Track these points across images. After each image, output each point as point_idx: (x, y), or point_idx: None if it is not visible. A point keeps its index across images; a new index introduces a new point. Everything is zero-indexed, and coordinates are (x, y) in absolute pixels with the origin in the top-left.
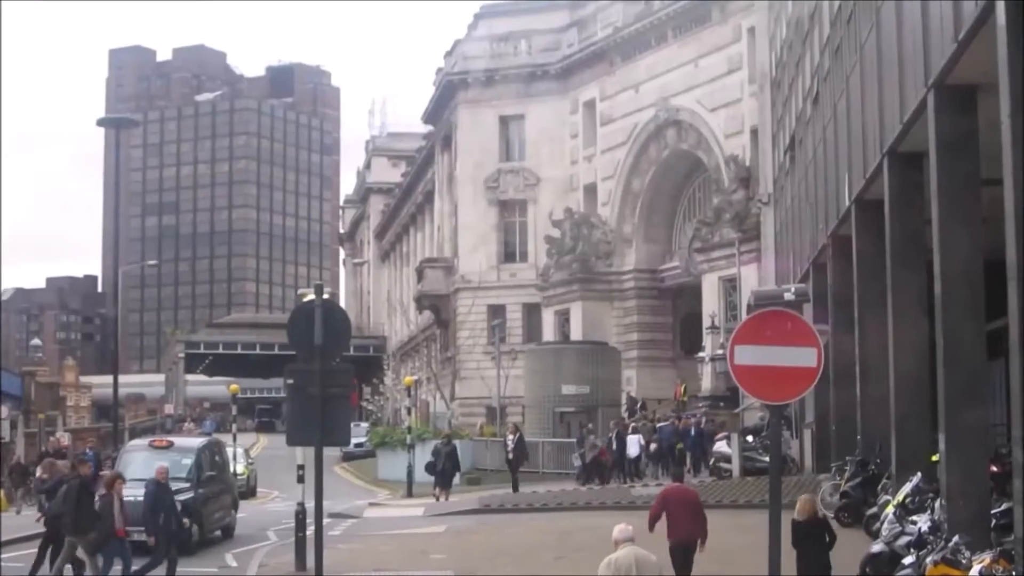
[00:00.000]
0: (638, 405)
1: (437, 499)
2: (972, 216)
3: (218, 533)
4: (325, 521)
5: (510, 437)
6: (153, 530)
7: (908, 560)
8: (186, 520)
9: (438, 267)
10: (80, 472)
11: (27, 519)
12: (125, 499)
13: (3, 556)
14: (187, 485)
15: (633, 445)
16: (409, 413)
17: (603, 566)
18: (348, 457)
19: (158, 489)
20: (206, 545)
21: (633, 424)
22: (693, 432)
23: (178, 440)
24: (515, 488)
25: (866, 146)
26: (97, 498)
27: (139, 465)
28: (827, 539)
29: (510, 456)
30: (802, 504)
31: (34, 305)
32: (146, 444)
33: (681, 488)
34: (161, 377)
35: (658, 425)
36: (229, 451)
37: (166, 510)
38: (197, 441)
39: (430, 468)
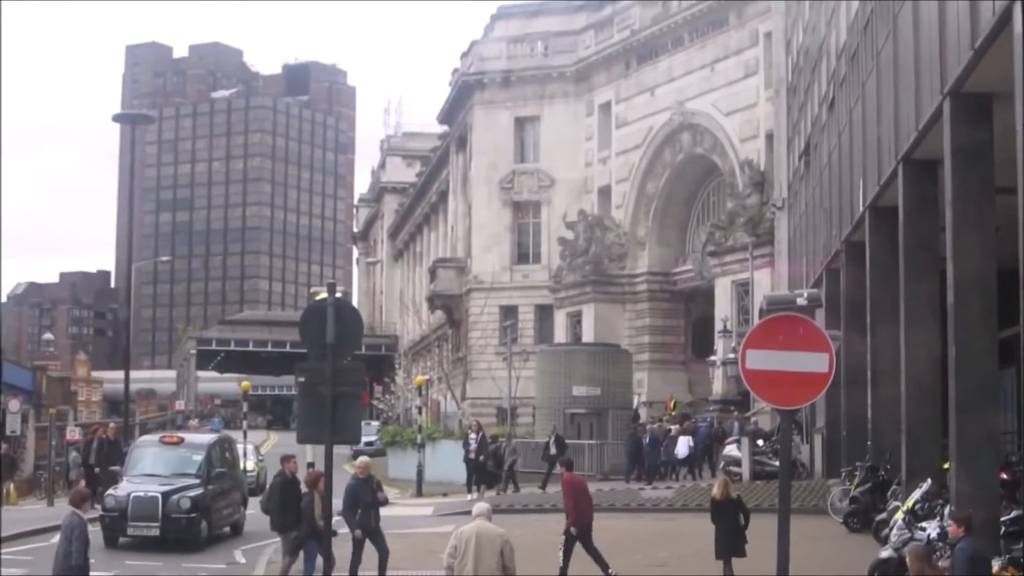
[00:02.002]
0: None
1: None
2: (986, 224)
3: (227, 529)
4: (334, 519)
5: (472, 436)
6: (355, 525)
7: None
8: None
9: (451, 267)
10: (284, 469)
11: (31, 513)
12: (134, 495)
13: (4, 552)
14: (197, 481)
15: (682, 446)
16: (420, 412)
17: (452, 536)
18: (358, 455)
19: (357, 484)
20: (215, 541)
21: (675, 425)
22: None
23: (188, 437)
24: (468, 490)
25: (881, 153)
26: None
27: (149, 461)
28: (741, 515)
29: (472, 456)
30: (719, 485)
31: (46, 299)
32: (156, 440)
33: (578, 477)
34: (172, 373)
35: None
36: (239, 448)
37: (365, 506)
38: (207, 438)
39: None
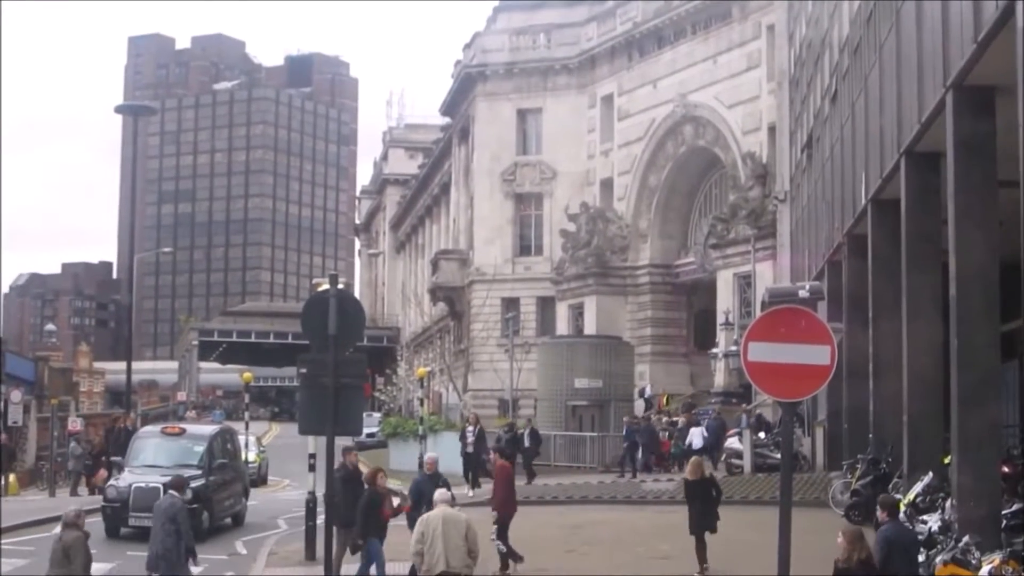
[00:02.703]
0: (646, 397)
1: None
2: (988, 217)
3: (228, 520)
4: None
5: (470, 429)
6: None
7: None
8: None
9: (453, 259)
10: (345, 462)
11: (32, 504)
12: (135, 485)
13: (4, 542)
14: (198, 472)
15: (696, 437)
16: (422, 404)
17: (417, 523)
18: (360, 447)
19: (423, 480)
20: (216, 532)
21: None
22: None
23: (190, 428)
24: (467, 482)
25: (883, 145)
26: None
27: (150, 452)
28: (714, 493)
29: (469, 450)
30: (692, 466)
31: (49, 290)
32: (158, 431)
33: (510, 466)
34: (174, 364)
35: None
36: (241, 439)
37: (430, 504)
38: (209, 429)
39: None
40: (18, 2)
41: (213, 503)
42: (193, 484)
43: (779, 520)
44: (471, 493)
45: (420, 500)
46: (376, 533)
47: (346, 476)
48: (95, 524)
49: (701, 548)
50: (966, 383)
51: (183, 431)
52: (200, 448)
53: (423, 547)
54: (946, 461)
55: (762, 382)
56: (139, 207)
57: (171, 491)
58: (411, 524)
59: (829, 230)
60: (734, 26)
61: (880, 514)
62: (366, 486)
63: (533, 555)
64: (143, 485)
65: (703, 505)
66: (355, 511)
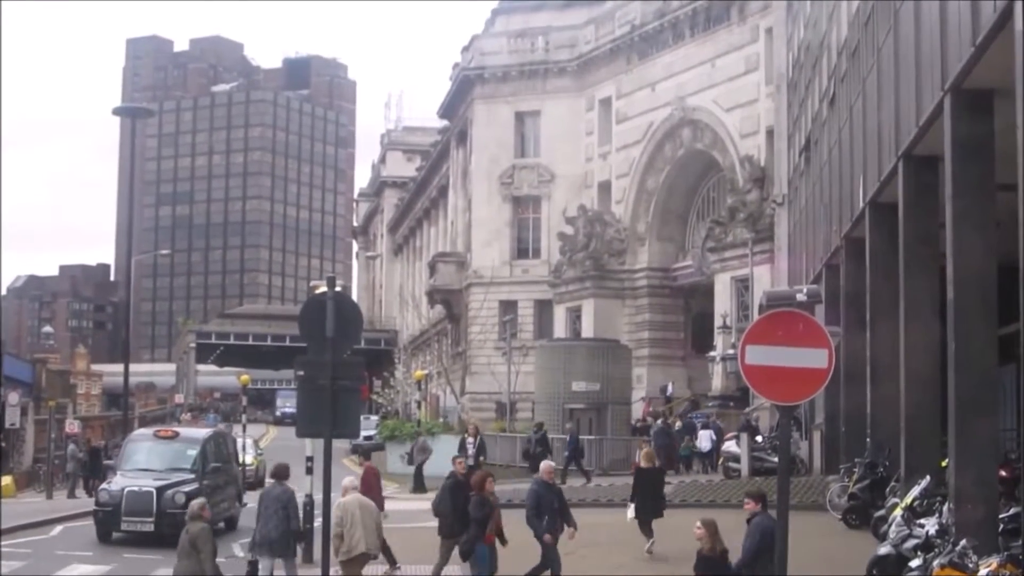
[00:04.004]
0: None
1: None
2: (986, 220)
3: (221, 525)
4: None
5: (470, 440)
6: (542, 530)
7: (915, 563)
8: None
9: (451, 262)
10: (454, 471)
11: (30, 506)
12: (128, 489)
13: (3, 544)
14: (192, 476)
15: (705, 440)
16: (419, 407)
17: (335, 508)
18: (357, 450)
19: (541, 488)
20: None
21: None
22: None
23: (183, 431)
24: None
25: (881, 148)
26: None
27: (143, 456)
28: (663, 480)
29: (471, 462)
30: (645, 455)
31: (46, 292)
32: (151, 434)
33: (375, 468)
34: (172, 367)
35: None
36: (239, 442)
37: (551, 512)
38: (202, 432)
39: (526, 455)
40: (17, 3)
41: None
42: (186, 488)
43: (776, 523)
44: None
45: (539, 509)
46: (486, 540)
47: (455, 484)
48: (87, 528)
49: (647, 530)
50: (964, 386)
51: (176, 434)
52: (193, 452)
53: (342, 530)
54: (944, 464)
55: (760, 385)
56: (137, 209)
57: (278, 479)
58: (535, 529)
59: (827, 233)
60: (732, 29)
61: (752, 505)
62: (472, 492)
63: (530, 557)
64: (136, 489)
65: (653, 491)
66: (461, 520)
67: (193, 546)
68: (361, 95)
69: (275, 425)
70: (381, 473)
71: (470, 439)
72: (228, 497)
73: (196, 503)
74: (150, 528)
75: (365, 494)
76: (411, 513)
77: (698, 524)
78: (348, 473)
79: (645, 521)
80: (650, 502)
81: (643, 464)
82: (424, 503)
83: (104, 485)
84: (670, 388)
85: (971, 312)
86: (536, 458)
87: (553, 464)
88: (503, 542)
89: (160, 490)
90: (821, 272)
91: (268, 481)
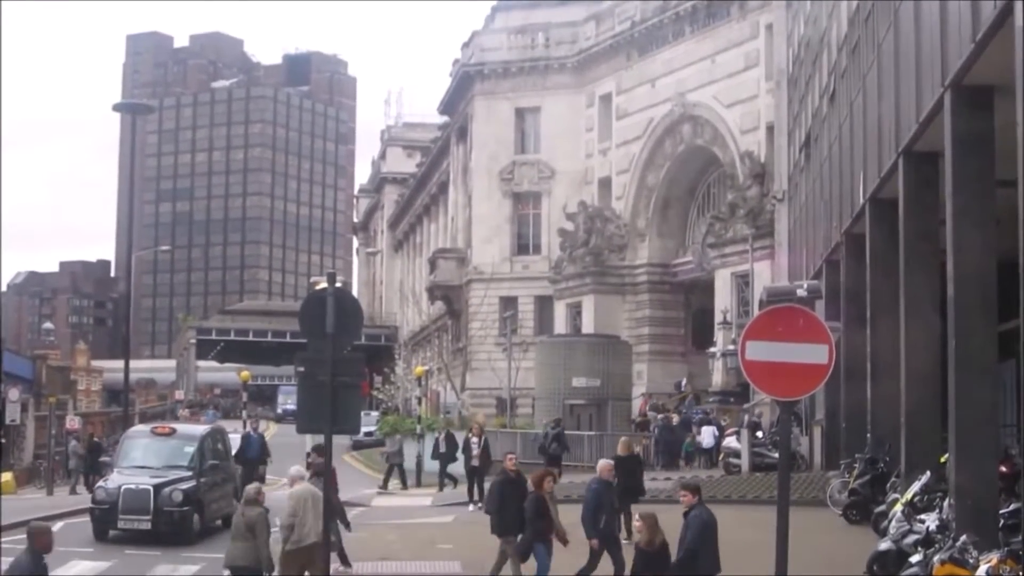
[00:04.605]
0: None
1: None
2: (986, 217)
3: (219, 522)
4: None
5: (475, 440)
6: (594, 532)
7: (915, 559)
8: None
9: (451, 258)
10: (505, 469)
11: (30, 502)
12: (125, 487)
13: (4, 541)
14: (189, 474)
15: (707, 436)
16: (419, 403)
17: (287, 498)
18: (357, 446)
19: (601, 487)
20: (207, 534)
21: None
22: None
23: (181, 427)
24: (470, 499)
25: (881, 145)
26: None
27: (140, 452)
28: (640, 467)
29: (475, 463)
30: (623, 444)
31: (47, 289)
32: (148, 431)
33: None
34: (172, 363)
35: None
36: (237, 438)
37: (610, 512)
38: (200, 429)
39: (542, 450)
40: (17, 1)
41: (204, 505)
42: (184, 486)
43: (777, 519)
44: (471, 509)
45: (598, 509)
46: (543, 539)
47: (505, 481)
48: (88, 524)
49: (627, 519)
50: (964, 382)
51: (173, 431)
52: (191, 448)
53: (295, 520)
54: (943, 460)
55: (760, 381)
56: (137, 205)
57: (316, 478)
58: (587, 529)
59: (827, 229)
60: (732, 25)
61: (689, 498)
62: (531, 490)
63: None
64: (132, 487)
65: (630, 479)
66: (515, 518)
67: (250, 530)
68: (361, 91)
69: (276, 423)
70: (382, 469)
71: (474, 439)
72: (225, 495)
73: (252, 488)
74: (147, 526)
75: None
76: (407, 509)
77: (637, 517)
78: (349, 470)
79: (624, 508)
80: (629, 489)
81: (620, 452)
82: (418, 499)
83: (101, 483)
84: (684, 383)
85: (971, 308)
86: (552, 454)
87: (611, 462)
88: (564, 542)
89: (157, 488)
90: (821, 268)
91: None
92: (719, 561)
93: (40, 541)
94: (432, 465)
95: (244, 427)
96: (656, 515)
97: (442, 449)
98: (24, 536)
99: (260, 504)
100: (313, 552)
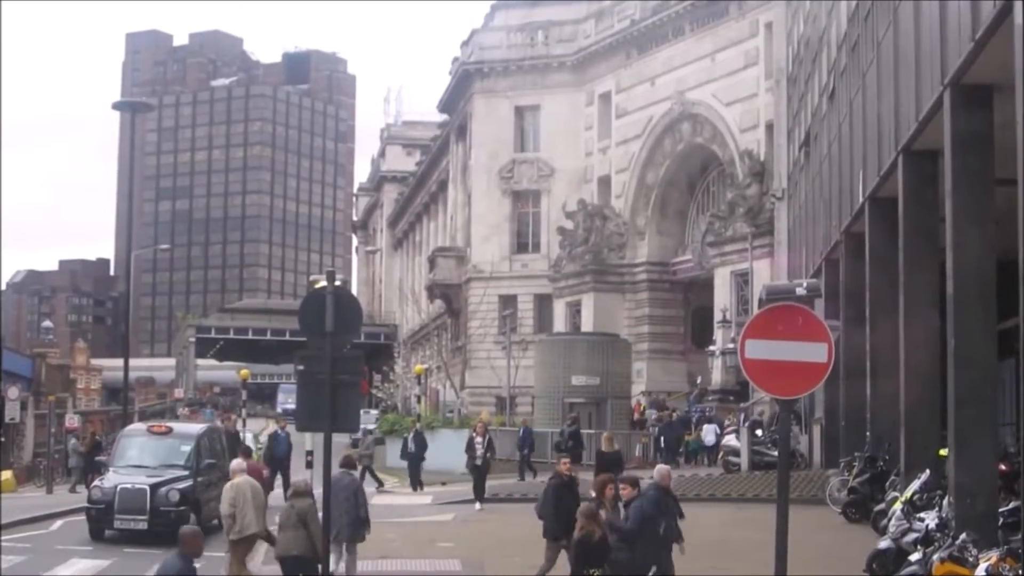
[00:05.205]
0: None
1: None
2: (985, 215)
3: (215, 522)
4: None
5: (478, 440)
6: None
7: (915, 557)
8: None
9: (450, 256)
10: (558, 471)
11: (30, 500)
12: (121, 487)
13: (3, 539)
14: (186, 473)
15: (709, 434)
16: (419, 401)
17: (226, 489)
18: (356, 444)
19: (659, 494)
20: (211, 530)
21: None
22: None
23: (177, 426)
24: (477, 498)
25: (881, 143)
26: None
27: (136, 451)
28: (622, 462)
29: (479, 463)
30: (606, 438)
31: (46, 287)
32: (144, 429)
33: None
34: (172, 361)
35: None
36: (240, 436)
37: (668, 518)
38: (196, 428)
39: (559, 446)
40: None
41: (201, 505)
42: (180, 485)
43: (776, 517)
44: (478, 508)
45: (656, 517)
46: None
47: (559, 485)
48: (84, 523)
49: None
50: (963, 381)
51: (170, 430)
52: (187, 448)
53: (235, 510)
54: (942, 454)
55: (759, 379)
56: (137, 204)
57: (346, 469)
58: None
59: (827, 228)
60: (732, 24)
61: (629, 490)
62: (593, 493)
63: (530, 551)
64: (129, 486)
65: (612, 473)
66: (562, 523)
67: (302, 521)
68: (361, 90)
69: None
70: (380, 468)
71: (478, 438)
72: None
73: (301, 480)
74: (144, 526)
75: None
76: (407, 508)
77: (579, 511)
78: (335, 476)
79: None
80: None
81: (603, 448)
82: (418, 497)
83: (96, 482)
84: (699, 380)
85: (970, 307)
86: (568, 452)
87: (668, 468)
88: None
89: (154, 487)
90: (821, 267)
91: (336, 471)
92: (657, 554)
93: (190, 545)
94: (432, 464)
95: (243, 427)
96: (595, 510)
97: (411, 449)
98: (24, 535)
99: (309, 495)
100: (254, 542)
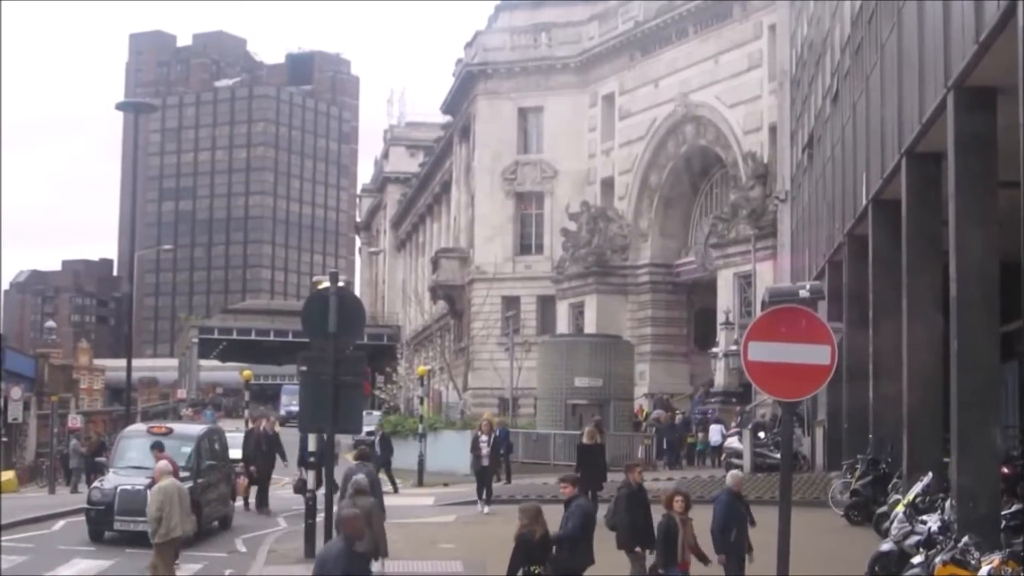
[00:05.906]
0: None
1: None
2: (989, 218)
3: (215, 524)
4: (335, 509)
5: (483, 439)
6: (723, 547)
7: (917, 560)
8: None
9: (454, 257)
10: (630, 480)
11: (32, 500)
12: (121, 488)
13: (4, 539)
14: (186, 474)
15: (715, 434)
16: (422, 402)
17: (153, 492)
18: (359, 445)
19: (730, 500)
20: (205, 535)
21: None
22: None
23: (177, 427)
24: (479, 498)
25: (884, 145)
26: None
27: (136, 452)
28: (604, 456)
29: (484, 463)
30: (588, 432)
31: (49, 287)
32: (144, 430)
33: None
34: (174, 362)
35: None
36: (238, 436)
37: (739, 524)
38: (196, 429)
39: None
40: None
41: (201, 506)
42: None
43: (779, 519)
44: (486, 510)
45: (727, 525)
46: (674, 563)
47: (630, 495)
48: (82, 524)
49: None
50: (966, 383)
51: (170, 431)
52: (188, 449)
53: (162, 514)
54: (946, 460)
55: (762, 382)
56: (140, 204)
57: (362, 461)
58: (716, 544)
59: (830, 230)
60: (735, 26)
61: (569, 489)
62: (665, 510)
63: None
64: (129, 487)
65: (594, 468)
66: (637, 533)
67: (366, 520)
68: (364, 91)
69: (280, 424)
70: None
71: (483, 437)
72: (222, 496)
73: (362, 478)
74: (144, 528)
75: None
76: (409, 509)
77: (519, 511)
78: (350, 468)
79: (584, 493)
80: (591, 478)
81: (585, 441)
82: (419, 498)
83: (96, 483)
84: (703, 383)
85: (973, 309)
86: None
87: (741, 474)
88: (704, 560)
89: (357, 458)
90: (824, 269)
91: (352, 463)
92: (593, 553)
93: (349, 526)
94: (433, 464)
95: (246, 426)
96: (539, 507)
97: (377, 452)
98: (26, 535)
99: (369, 494)
100: (179, 544)
